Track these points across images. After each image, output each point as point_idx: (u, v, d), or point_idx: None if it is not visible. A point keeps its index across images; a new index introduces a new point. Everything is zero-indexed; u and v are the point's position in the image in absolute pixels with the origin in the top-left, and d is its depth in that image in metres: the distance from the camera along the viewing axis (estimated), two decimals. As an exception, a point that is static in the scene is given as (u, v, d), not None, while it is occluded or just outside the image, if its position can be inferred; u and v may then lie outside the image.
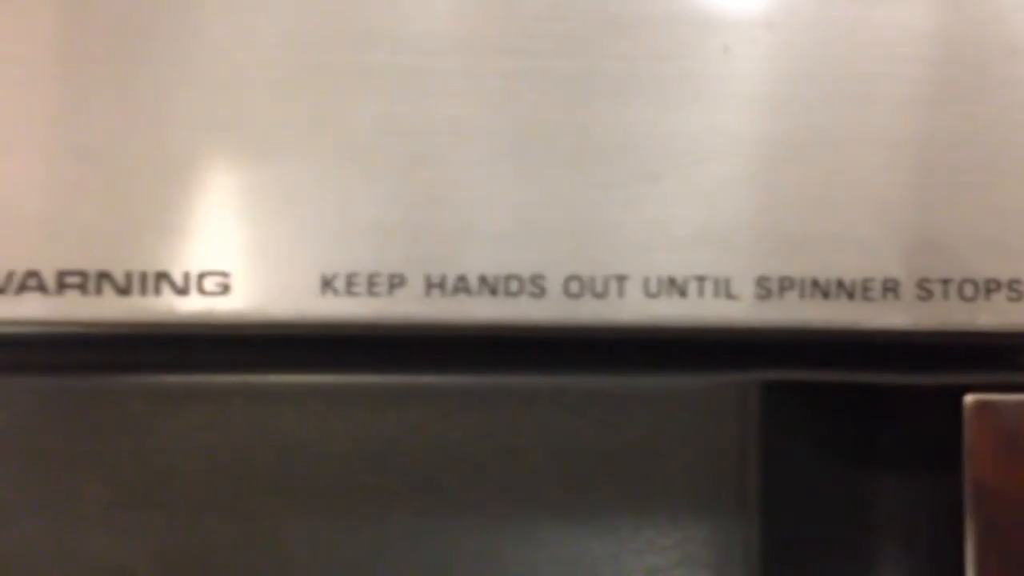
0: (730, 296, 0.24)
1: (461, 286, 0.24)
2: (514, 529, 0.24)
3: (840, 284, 0.24)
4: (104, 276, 0.23)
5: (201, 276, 0.24)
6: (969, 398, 0.24)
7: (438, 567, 0.24)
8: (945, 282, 0.24)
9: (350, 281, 0.24)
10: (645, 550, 0.24)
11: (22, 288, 0.23)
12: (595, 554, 0.24)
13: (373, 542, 0.24)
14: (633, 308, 0.24)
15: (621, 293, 0.24)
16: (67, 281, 0.23)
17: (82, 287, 0.23)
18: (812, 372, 0.24)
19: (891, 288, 0.24)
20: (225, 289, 0.24)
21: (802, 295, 0.24)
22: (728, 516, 0.24)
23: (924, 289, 0.24)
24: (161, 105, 0.24)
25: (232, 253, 0.24)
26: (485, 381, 0.24)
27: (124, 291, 0.23)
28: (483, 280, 0.24)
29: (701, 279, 0.24)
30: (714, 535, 0.24)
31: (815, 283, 0.24)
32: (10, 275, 0.23)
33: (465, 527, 0.24)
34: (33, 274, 0.23)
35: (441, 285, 0.24)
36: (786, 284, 0.24)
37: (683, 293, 0.24)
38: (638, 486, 0.24)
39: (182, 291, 0.24)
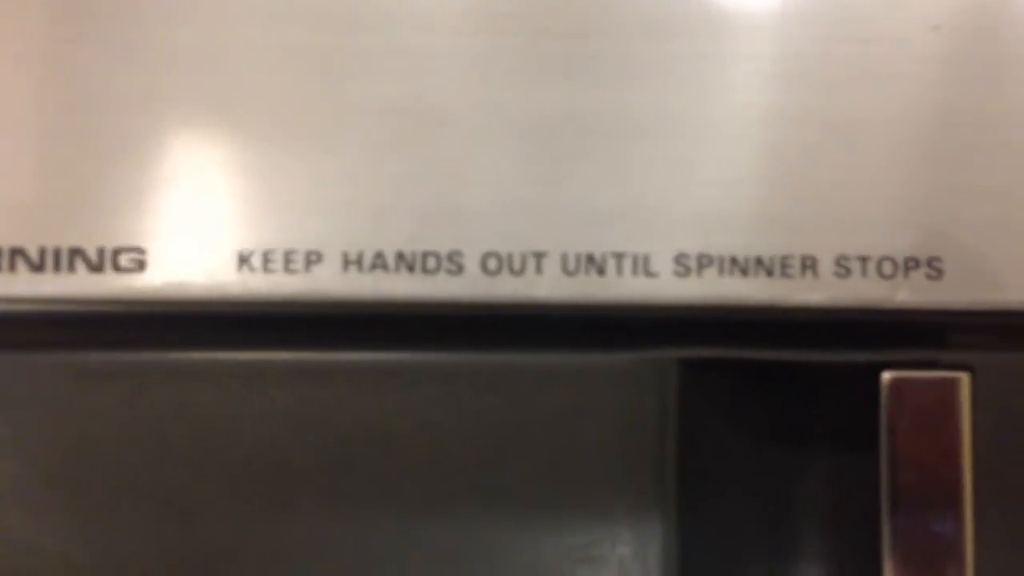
0: (649, 273, 0.24)
1: (379, 263, 0.24)
2: (430, 507, 0.24)
3: (759, 261, 0.24)
4: (17, 252, 0.23)
5: (116, 252, 0.24)
6: (886, 375, 0.24)
7: (354, 543, 0.23)
8: (864, 259, 0.24)
9: (267, 258, 0.24)
10: (562, 528, 0.24)
11: (-66, 264, 0.23)
12: (512, 533, 0.24)
13: (289, 519, 0.23)
14: (551, 285, 0.24)
15: (539, 270, 0.24)
16: (-20, 257, 0.23)
17: (-5, 263, 0.23)
18: (731, 349, 0.24)
19: (809, 265, 0.24)
20: (140, 266, 0.24)
21: (721, 272, 0.24)
22: (646, 494, 0.24)
23: (842, 266, 0.24)
24: (78, 81, 0.24)
25: (148, 229, 0.24)
26: (403, 358, 0.24)
27: (38, 268, 0.23)
28: (400, 257, 0.24)
29: (619, 256, 0.24)
30: (631, 513, 0.24)
31: (734, 260, 0.24)
32: (-78, 251, 0.23)
33: (382, 504, 0.24)
34: (-55, 250, 0.23)
35: (358, 262, 0.24)
36: (704, 261, 0.24)
37: (601, 270, 0.24)
38: (555, 464, 0.24)
39: (97, 268, 0.24)
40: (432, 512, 0.24)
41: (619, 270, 0.24)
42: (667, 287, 0.24)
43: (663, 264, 0.24)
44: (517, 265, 0.24)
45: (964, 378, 0.24)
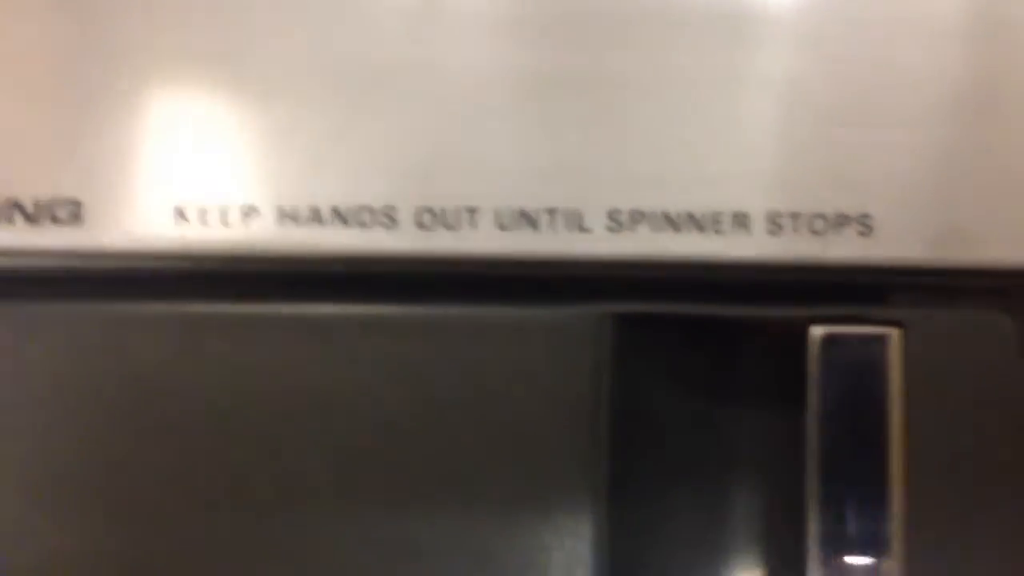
0: (582, 229, 0.24)
1: (314, 217, 0.24)
2: (362, 459, 0.24)
3: (691, 217, 0.24)
4: (-45, 204, 0.24)
5: (53, 204, 0.24)
6: (815, 330, 0.24)
7: (285, 492, 0.24)
8: (795, 216, 0.24)
9: (203, 211, 0.24)
10: (495, 480, 0.24)
11: None
12: (444, 484, 0.24)
13: (218, 469, 0.24)
14: (485, 240, 0.24)
15: (473, 225, 0.24)
16: (-83, 208, 0.23)
17: (-68, 214, 0.23)
18: (663, 305, 0.24)
19: (741, 221, 0.24)
20: (77, 218, 0.24)
21: (653, 228, 0.24)
22: (579, 446, 0.24)
23: (774, 223, 0.24)
24: (15, 34, 0.24)
25: (85, 182, 0.24)
26: (337, 311, 0.24)
27: (-25, 219, 0.24)
28: (335, 211, 0.24)
29: (552, 212, 0.24)
30: (565, 466, 0.24)
31: (666, 216, 0.24)
32: None
33: (312, 455, 0.24)
34: None
35: (294, 216, 0.24)
36: (637, 217, 0.24)
37: (535, 225, 0.24)
38: (489, 417, 0.24)
39: (33, 219, 0.24)
40: (362, 464, 0.24)
41: (552, 225, 0.24)
42: (600, 243, 0.24)
43: (596, 220, 0.24)
44: (451, 219, 0.24)
45: (894, 333, 0.24)
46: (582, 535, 0.24)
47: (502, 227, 0.24)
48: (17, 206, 0.24)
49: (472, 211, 0.24)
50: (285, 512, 0.24)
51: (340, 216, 0.24)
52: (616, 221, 0.24)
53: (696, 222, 0.24)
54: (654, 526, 0.25)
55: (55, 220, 0.24)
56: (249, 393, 0.24)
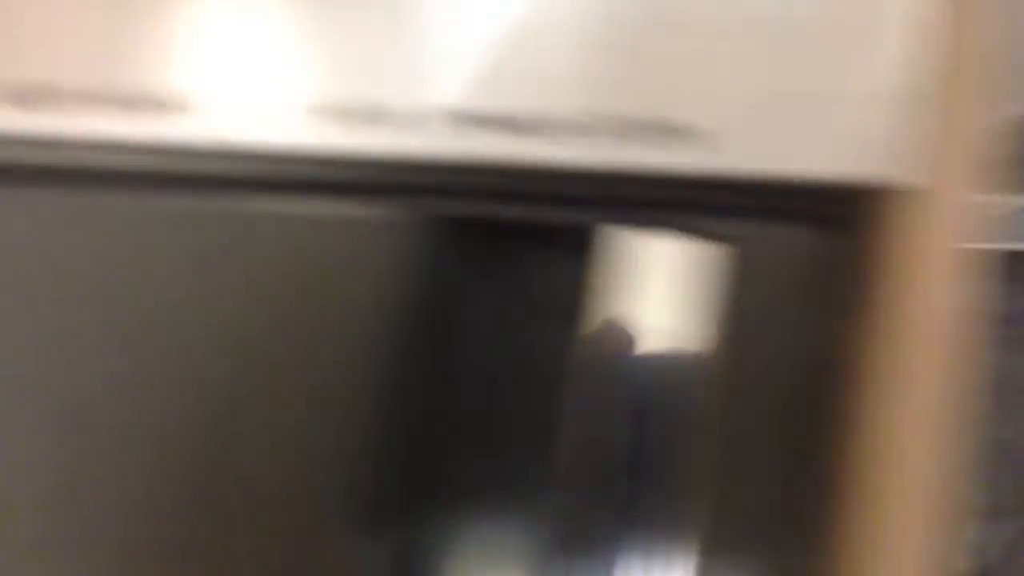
0: (387, 124, 0.23)
1: (116, 103, 0.23)
2: (170, 353, 0.23)
3: (533, 121, 0.23)
4: None
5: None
6: (601, 232, 0.23)
7: (101, 371, 0.23)
8: (626, 123, 0.23)
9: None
10: (305, 371, 0.23)
11: None
12: (249, 382, 0.23)
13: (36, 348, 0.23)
14: (300, 133, 0.23)
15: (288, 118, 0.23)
16: None
17: None
18: (471, 206, 0.24)
19: (580, 127, 0.23)
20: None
21: (492, 131, 0.23)
22: (387, 343, 0.23)
23: (584, 128, 0.23)
24: None
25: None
26: (144, 203, 0.24)
27: None
28: (141, 97, 0.23)
29: (361, 107, 0.23)
30: (371, 362, 0.23)
31: (508, 119, 0.23)
32: None
33: (120, 339, 0.23)
34: None
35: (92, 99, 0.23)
36: (476, 119, 0.23)
37: (344, 120, 0.23)
38: (299, 313, 0.23)
39: None
40: (171, 357, 0.24)
41: (384, 123, 0.23)
42: (435, 143, 0.23)
43: (434, 122, 0.23)
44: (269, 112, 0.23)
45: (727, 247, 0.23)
46: (372, 426, 0.23)
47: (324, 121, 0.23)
48: None
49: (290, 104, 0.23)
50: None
51: (136, 103, 0.23)
52: (455, 122, 0.23)
53: (536, 126, 0.23)
54: (446, 417, 0.24)
55: None
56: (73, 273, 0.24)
